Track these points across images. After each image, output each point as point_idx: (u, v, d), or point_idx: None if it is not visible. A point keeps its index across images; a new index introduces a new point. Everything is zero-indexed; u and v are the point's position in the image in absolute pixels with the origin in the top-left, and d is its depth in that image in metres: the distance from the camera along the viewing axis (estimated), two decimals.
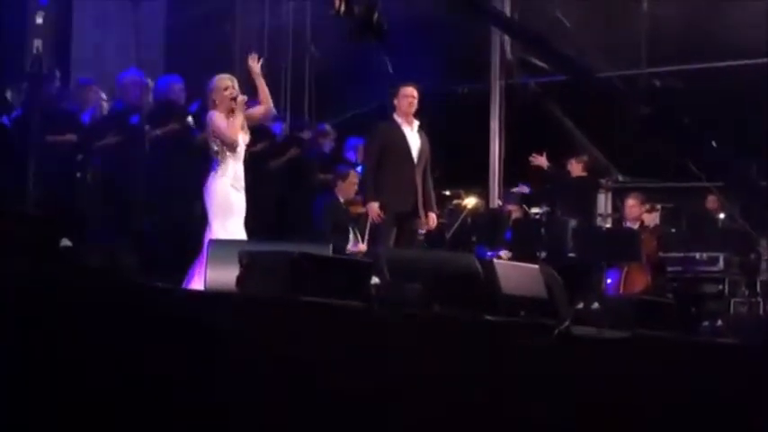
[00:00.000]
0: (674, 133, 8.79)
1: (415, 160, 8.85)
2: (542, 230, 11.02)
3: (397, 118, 8.91)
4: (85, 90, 9.95)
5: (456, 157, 11.81)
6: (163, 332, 4.13)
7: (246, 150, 7.82)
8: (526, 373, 5.21)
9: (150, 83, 9.63)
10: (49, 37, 9.55)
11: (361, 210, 9.46)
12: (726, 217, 11.76)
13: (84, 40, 11.89)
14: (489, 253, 10.65)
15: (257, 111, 7.95)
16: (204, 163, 7.81)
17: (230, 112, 7.69)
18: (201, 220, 7.79)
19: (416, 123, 8.93)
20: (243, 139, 7.74)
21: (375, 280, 5.46)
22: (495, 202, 12.95)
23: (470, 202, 12.34)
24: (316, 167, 10.75)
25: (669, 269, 11.11)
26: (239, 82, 7.86)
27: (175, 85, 9.55)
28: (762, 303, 10.50)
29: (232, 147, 7.64)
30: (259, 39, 11.76)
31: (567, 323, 5.52)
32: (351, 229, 9.66)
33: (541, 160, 11.49)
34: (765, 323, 8.90)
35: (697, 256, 11.08)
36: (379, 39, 8.27)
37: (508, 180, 12.95)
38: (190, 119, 9.40)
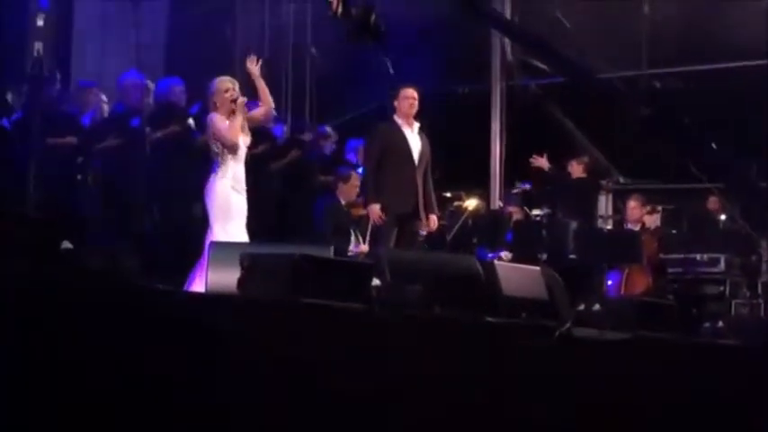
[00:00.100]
0: (675, 134, 8.80)
1: (416, 162, 8.83)
2: (543, 232, 11.01)
3: (398, 119, 8.89)
4: (86, 92, 9.94)
5: (456, 158, 11.78)
6: (164, 334, 4.13)
7: (247, 152, 7.81)
8: (527, 375, 5.21)
9: (151, 85, 9.63)
10: (50, 39, 9.52)
11: (362, 212, 9.45)
12: (727, 218, 11.76)
13: (85, 42, 11.88)
14: (490, 254, 10.63)
15: (258, 112, 7.95)
16: (205, 165, 7.80)
17: (231, 114, 7.69)
18: (202, 223, 7.79)
19: (417, 125, 8.91)
20: (244, 141, 7.74)
21: (376, 281, 5.46)
22: (496, 203, 12.92)
23: (471, 203, 12.31)
24: (316, 169, 10.75)
25: (670, 270, 11.11)
26: (240, 84, 7.86)
27: (176, 88, 9.56)
28: (763, 305, 10.50)
29: (233, 149, 7.63)
30: (259, 40, 11.74)
31: (567, 325, 5.51)
32: (352, 230, 9.66)
33: (542, 162, 11.47)
34: (766, 324, 8.91)
35: (698, 257, 11.08)
36: (376, 40, 8.27)
37: (509, 182, 12.93)
38: (190, 121, 9.40)
